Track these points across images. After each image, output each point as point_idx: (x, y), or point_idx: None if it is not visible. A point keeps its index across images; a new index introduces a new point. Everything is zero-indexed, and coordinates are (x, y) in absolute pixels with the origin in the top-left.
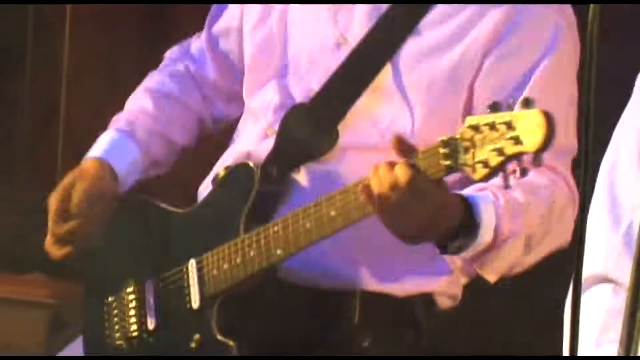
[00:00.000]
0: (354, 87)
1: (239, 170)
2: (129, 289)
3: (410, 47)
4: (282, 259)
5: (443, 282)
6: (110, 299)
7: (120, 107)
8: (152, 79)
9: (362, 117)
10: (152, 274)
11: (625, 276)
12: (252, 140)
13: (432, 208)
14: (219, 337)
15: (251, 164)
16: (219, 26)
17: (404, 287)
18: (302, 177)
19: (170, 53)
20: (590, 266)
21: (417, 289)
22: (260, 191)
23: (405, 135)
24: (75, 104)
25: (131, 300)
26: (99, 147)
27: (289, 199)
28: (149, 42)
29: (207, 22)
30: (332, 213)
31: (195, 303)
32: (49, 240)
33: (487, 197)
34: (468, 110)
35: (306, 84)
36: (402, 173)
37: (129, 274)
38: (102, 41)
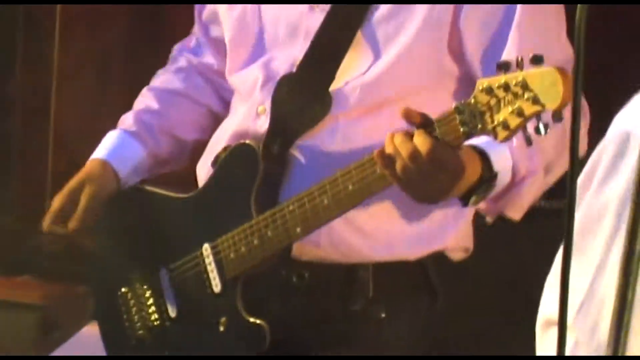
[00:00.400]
0: (336, 47)
1: (240, 151)
2: (142, 279)
3: None
4: (301, 236)
5: (452, 238)
6: (123, 289)
7: (110, 107)
8: (158, 79)
9: (339, 80)
10: (163, 262)
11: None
12: (245, 119)
13: (453, 174)
14: (249, 318)
15: (252, 144)
16: (206, 13)
17: (415, 250)
18: (298, 151)
19: (173, 51)
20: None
21: (428, 250)
22: (265, 170)
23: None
24: (66, 105)
25: (146, 290)
26: (104, 148)
27: (291, 175)
28: (140, 43)
29: (196, 12)
30: (350, 187)
31: (216, 287)
32: (46, 229)
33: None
34: (457, 48)
35: (288, 52)
36: (421, 143)
37: (138, 264)
38: (93, 42)
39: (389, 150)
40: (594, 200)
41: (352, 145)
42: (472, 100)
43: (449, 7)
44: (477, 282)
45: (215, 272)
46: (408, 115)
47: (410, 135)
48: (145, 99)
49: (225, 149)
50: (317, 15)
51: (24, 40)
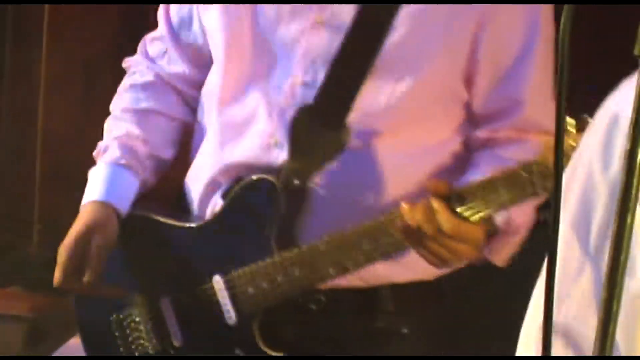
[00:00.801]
0: (355, 76)
1: (258, 185)
2: (141, 307)
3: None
4: (334, 277)
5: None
6: (115, 316)
7: (97, 116)
8: (127, 96)
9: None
10: (166, 291)
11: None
12: (252, 150)
13: (474, 245)
14: (267, 350)
15: (271, 179)
16: (178, 20)
17: (434, 271)
18: (316, 184)
19: (131, 67)
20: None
21: (444, 271)
22: (287, 206)
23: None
24: (53, 114)
25: (147, 319)
26: (99, 187)
27: (311, 209)
28: (127, 50)
29: (163, 18)
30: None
31: (230, 320)
32: (61, 286)
33: None
34: (470, 77)
35: (286, 73)
36: (445, 221)
37: (138, 292)
38: (80, 51)
39: (411, 223)
40: (586, 186)
41: (369, 174)
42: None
43: (468, 36)
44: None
45: (229, 304)
46: (437, 189)
47: (431, 210)
48: (123, 123)
49: (237, 181)
50: (321, 34)
51: (11, 48)
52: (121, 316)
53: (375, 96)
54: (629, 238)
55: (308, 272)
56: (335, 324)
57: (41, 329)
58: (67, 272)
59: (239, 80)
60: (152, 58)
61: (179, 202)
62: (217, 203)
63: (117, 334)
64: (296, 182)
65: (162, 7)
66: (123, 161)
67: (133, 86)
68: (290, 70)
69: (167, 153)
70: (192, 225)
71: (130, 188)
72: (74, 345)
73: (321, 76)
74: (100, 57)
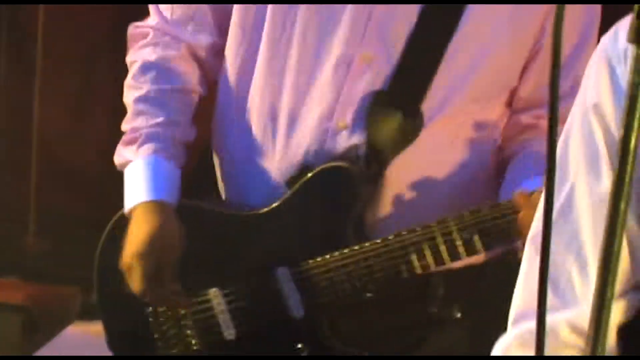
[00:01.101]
0: (429, 61)
1: (333, 174)
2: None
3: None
4: (429, 270)
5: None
6: (150, 309)
7: (94, 109)
8: (150, 78)
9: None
10: (216, 283)
11: None
12: (318, 134)
13: None
14: (335, 344)
15: (349, 167)
16: None
17: (482, 256)
18: (390, 170)
19: (150, 35)
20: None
21: (496, 253)
22: (365, 194)
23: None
24: (49, 108)
25: (200, 310)
26: (150, 185)
27: (383, 195)
28: (123, 46)
29: None
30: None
31: (298, 313)
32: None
33: None
34: (527, 65)
35: (356, 50)
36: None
37: (184, 284)
38: (76, 46)
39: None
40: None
41: (437, 157)
42: None
43: (536, 24)
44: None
45: (296, 297)
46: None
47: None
48: (153, 109)
49: (303, 168)
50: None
51: (7, 45)
52: (154, 310)
53: (444, 82)
54: (623, 226)
55: (397, 261)
56: (390, 310)
57: (38, 318)
58: (149, 281)
59: (305, 56)
60: (174, 22)
61: (199, 185)
62: (275, 190)
63: (154, 327)
64: (373, 169)
65: None
66: (163, 154)
67: (157, 62)
68: (360, 48)
69: (192, 134)
70: (251, 213)
71: (176, 180)
72: (71, 333)
73: (393, 60)
74: (97, 52)
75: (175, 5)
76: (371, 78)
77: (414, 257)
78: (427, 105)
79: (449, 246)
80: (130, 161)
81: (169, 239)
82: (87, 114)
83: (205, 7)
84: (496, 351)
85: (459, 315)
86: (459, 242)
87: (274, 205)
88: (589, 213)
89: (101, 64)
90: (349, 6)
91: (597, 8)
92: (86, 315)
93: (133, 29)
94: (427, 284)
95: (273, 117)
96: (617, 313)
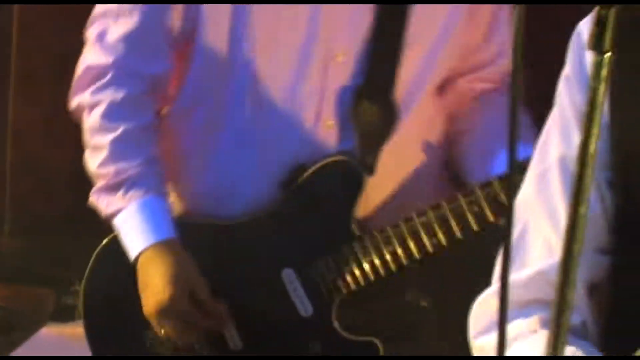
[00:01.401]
0: (392, 51)
1: (332, 168)
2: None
3: None
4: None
5: None
6: (150, 334)
7: (68, 109)
8: (128, 113)
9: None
10: (224, 293)
11: None
12: (304, 134)
13: None
14: (349, 335)
15: (346, 159)
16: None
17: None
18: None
19: (103, 76)
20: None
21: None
22: (364, 185)
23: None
24: (24, 108)
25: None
26: (158, 226)
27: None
28: None
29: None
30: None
31: (306, 311)
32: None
33: None
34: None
35: (329, 48)
36: None
37: None
38: (52, 44)
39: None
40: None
41: (416, 140)
42: None
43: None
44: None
45: (303, 296)
46: None
47: None
48: (131, 150)
49: (299, 169)
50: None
51: None
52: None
53: (409, 67)
54: (583, 228)
55: (399, 253)
56: (381, 297)
57: (13, 318)
58: (189, 317)
59: (284, 68)
60: (130, 57)
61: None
62: (263, 194)
63: (154, 351)
64: (369, 161)
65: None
66: (154, 192)
67: (125, 101)
68: (331, 51)
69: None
70: (248, 220)
71: (170, 213)
72: (46, 334)
73: (360, 58)
74: (73, 51)
75: (126, 39)
76: (346, 77)
77: (425, 238)
78: (400, 97)
79: (459, 221)
80: (122, 209)
81: (190, 270)
82: (63, 114)
83: (157, 34)
84: (477, 302)
85: (425, 304)
86: (470, 216)
87: (272, 209)
88: (559, 180)
89: (76, 65)
90: (306, 9)
91: None
92: (59, 316)
93: (85, 70)
94: (402, 270)
95: (258, 124)
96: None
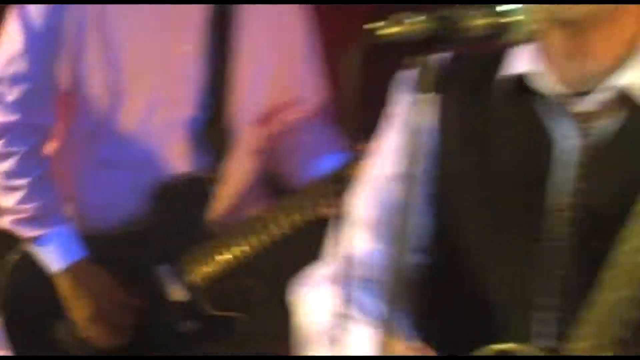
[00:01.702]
0: (221, 78)
1: (187, 184)
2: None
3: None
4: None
5: None
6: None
7: None
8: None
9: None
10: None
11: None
12: (164, 157)
13: None
14: (216, 312)
15: (199, 175)
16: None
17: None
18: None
19: (11, 134)
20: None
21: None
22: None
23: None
24: None
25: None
26: (61, 252)
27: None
28: None
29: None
30: None
31: (181, 296)
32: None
33: None
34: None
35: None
36: None
37: None
38: None
39: None
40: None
41: (249, 156)
42: None
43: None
44: None
45: (177, 283)
46: None
47: None
48: (44, 189)
49: (162, 183)
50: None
51: None
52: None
53: (241, 93)
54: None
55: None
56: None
57: None
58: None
59: (142, 100)
60: (19, 112)
61: None
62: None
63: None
64: (215, 175)
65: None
66: (65, 221)
67: (18, 161)
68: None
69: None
70: (126, 229)
71: (74, 234)
72: None
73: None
74: None
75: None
76: (192, 110)
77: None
78: (235, 115)
79: (288, 218)
80: (42, 234)
81: (105, 278)
82: None
83: (40, 83)
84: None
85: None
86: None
87: (144, 219)
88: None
89: None
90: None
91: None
92: None
93: None
94: None
95: (126, 152)
96: None
